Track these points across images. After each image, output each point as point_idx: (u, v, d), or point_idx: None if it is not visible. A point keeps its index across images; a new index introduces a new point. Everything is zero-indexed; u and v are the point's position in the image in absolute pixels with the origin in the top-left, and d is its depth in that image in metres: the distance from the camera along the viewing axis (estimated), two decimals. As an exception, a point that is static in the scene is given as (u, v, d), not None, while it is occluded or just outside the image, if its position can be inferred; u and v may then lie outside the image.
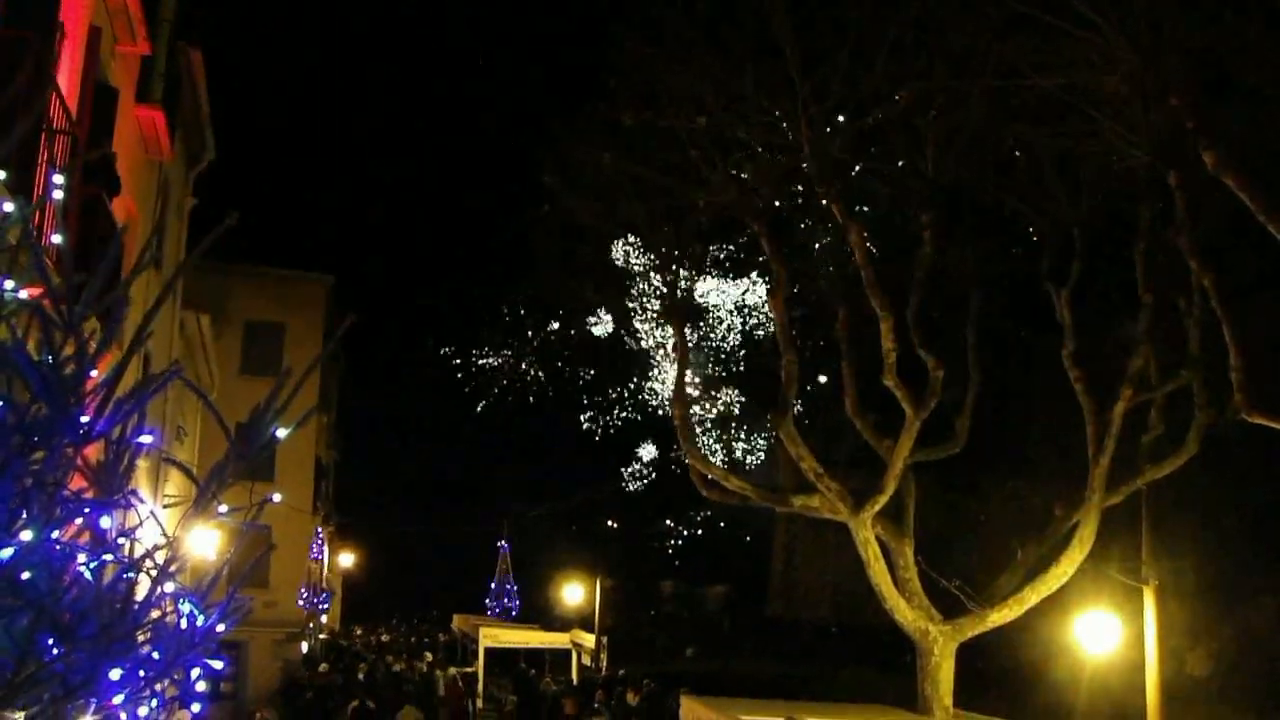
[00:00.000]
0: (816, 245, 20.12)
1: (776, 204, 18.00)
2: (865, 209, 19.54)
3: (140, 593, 4.07)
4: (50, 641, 3.63)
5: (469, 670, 34.13)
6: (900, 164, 17.11)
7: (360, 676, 32.23)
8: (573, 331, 25.42)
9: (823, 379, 23.17)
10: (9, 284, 3.97)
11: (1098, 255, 16.55)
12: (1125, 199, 15.92)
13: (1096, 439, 15.68)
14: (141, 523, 4.35)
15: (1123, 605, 17.46)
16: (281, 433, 4.15)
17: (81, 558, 3.86)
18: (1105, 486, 15.59)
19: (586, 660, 33.96)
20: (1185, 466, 15.87)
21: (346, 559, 56.32)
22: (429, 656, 42.14)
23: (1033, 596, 15.80)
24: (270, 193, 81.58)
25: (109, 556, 3.98)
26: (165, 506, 16.74)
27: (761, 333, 23.96)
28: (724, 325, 23.85)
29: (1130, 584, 16.71)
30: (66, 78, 10.74)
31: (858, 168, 17.73)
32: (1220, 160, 11.73)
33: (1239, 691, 26.07)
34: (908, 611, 16.17)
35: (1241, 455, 21.23)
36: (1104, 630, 16.44)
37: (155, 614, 4.07)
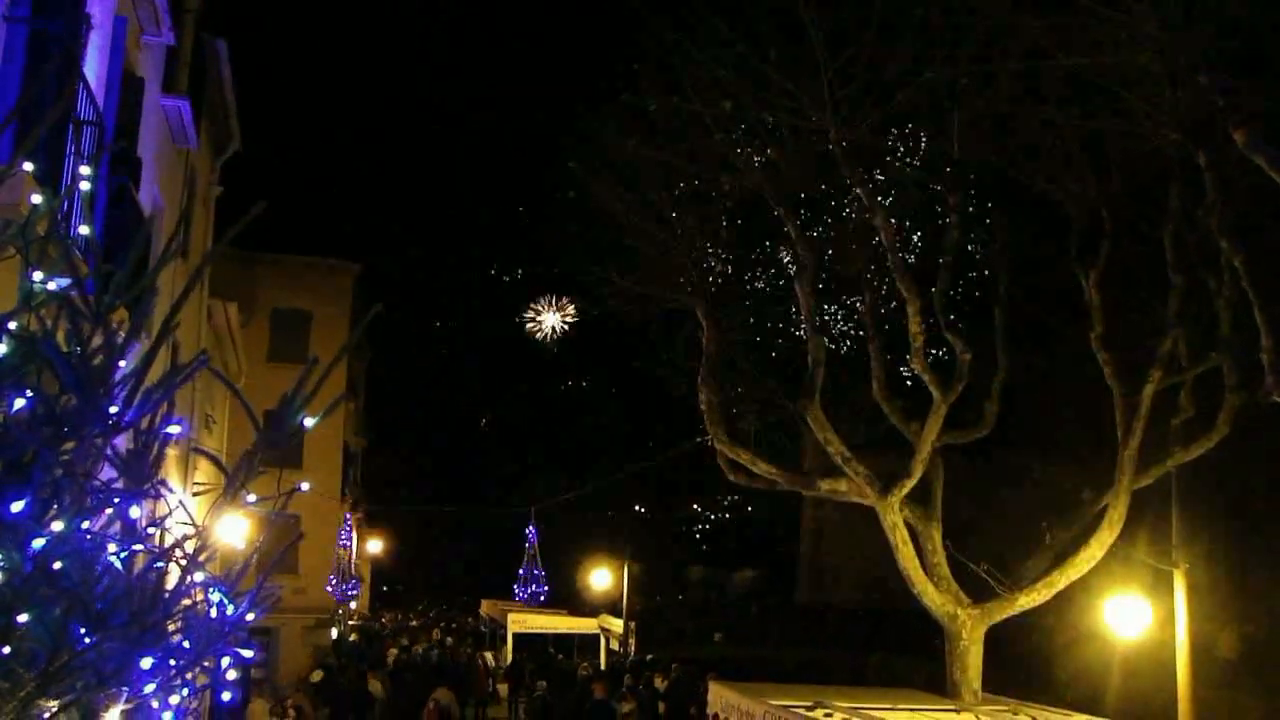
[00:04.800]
0: (847, 226, 20.03)
1: (803, 188, 17.93)
2: (892, 192, 19.46)
3: (170, 582, 4.10)
4: (82, 631, 3.66)
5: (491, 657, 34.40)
6: (926, 146, 17.01)
7: (390, 661, 32.47)
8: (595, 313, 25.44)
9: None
10: (37, 275, 3.99)
11: (1126, 236, 16.40)
12: (1154, 179, 15.76)
13: (1125, 422, 15.57)
14: (171, 512, 4.38)
15: (1152, 588, 17.36)
16: (309, 422, 4.16)
17: (112, 547, 3.88)
18: (1134, 469, 15.48)
19: (615, 645, 34.09)
20: (1215, 448, 15.74)
21: (375, 545, 56.61)
22: (435, 634, 42.39)
23: (1061, 580, 15.72)
24: (296, 181, 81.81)
25: (139, 546, 4.01)
26: (195, 495, 16.90)
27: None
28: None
29: (1160, 567, 16.62)
30: (93, 69, 10.79)
31: (882, 150, 17.65)
32: (1251, 139, 11.61)
33: (1271, 674, 25.90)
34: (936, 596, 16.12)
35: (1272, 437, 21.05)
36: (1134, 614, 16.36)
37: (185, 603, 4.10)
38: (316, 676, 26.13)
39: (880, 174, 19.19)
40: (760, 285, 23.94)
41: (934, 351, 17.15)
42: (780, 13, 15.65)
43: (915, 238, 20.39)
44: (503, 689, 32.98)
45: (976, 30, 14.68)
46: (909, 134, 16.92)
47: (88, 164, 8.20)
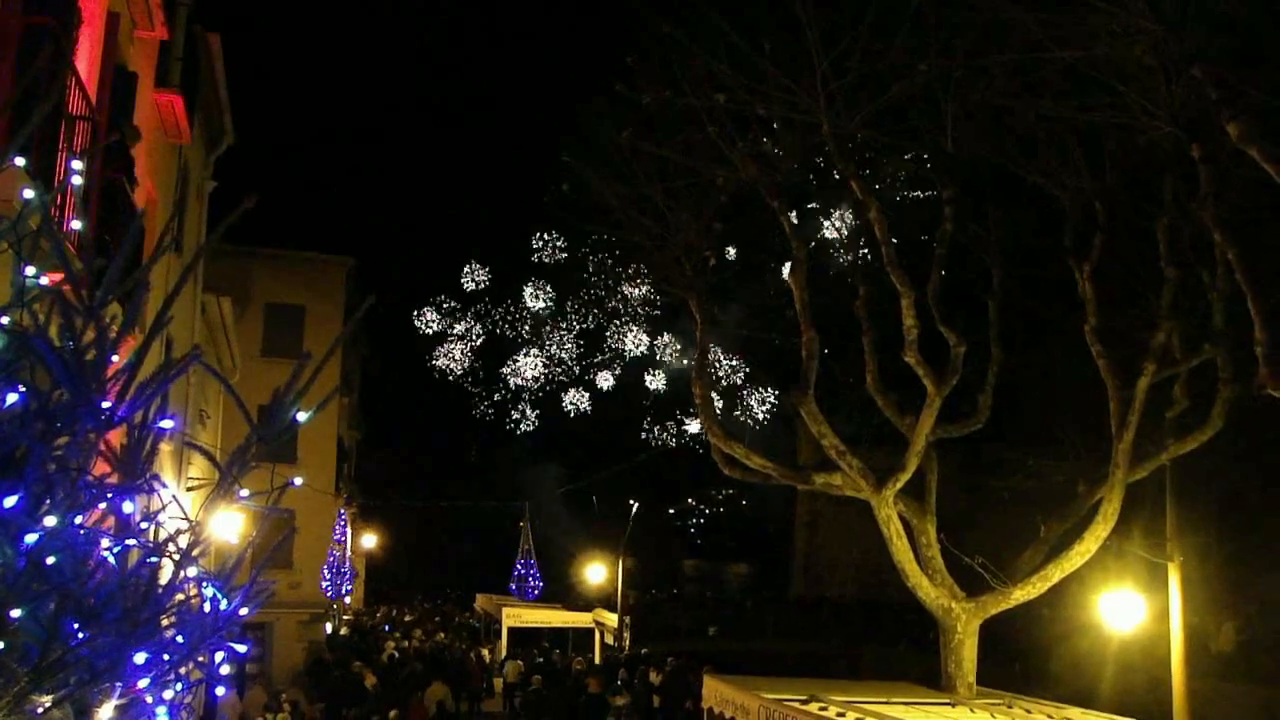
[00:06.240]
0: (836, 218, 20.04)
1: (797, 181, 17.93)
2: (885, 185, 19.47)
3: (164, 577, 4.09)
4: (75, 626, 3.65)
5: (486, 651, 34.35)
6: (921, 139, 16.99)
7: (385, 657, 32.47)
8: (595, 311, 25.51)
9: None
10: (30, 270, 3.98)
11: (1121, 229, 16.41)
12: (1149, 171, 15.78)
13: (1119, 415, 15.59)
14: (164, 507, 4.37)
15: (1146, 581, 17.40)
16: (302, 416, 4.15)
17: (105, 543, 3.88)
18: (1129, 462, 15.50)
19: (609, 639, 34.11)
20: (1209, 441, 15.77)
21: (369, 540, 56.61)
22: (433, 629, 42.39)
23: (1056, 573, 15.75)
24: (291, 176, 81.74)
25: (132, 541, 4.00)
26: (188, 490, 16.89)
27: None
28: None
29: (1154, 560, 16.65)
30: (85, 64, 10.76)
31: (876, 143, 17.64)
32: (1245, 131, 11.60)
33: (1266, 665, 25.98)
34: (930, 589, 16.14)
35: (1265, 430, 21.10)
36: (1128, 607, 16.39)
37: (179, 598, 4.09)
38: (370, 682, 26.09)
39: (874, 168, 19.21)
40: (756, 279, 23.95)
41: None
42: (776, 5, 15.62)
43: (910, 231, 20.37)
44: (498, 683, 33.02)
45: (971, 23, 14.67)
46: (904, 127, 16.89)
47: (80, 159, 8.18)
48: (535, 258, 54.61)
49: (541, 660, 32.34)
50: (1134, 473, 15.72)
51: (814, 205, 20.07)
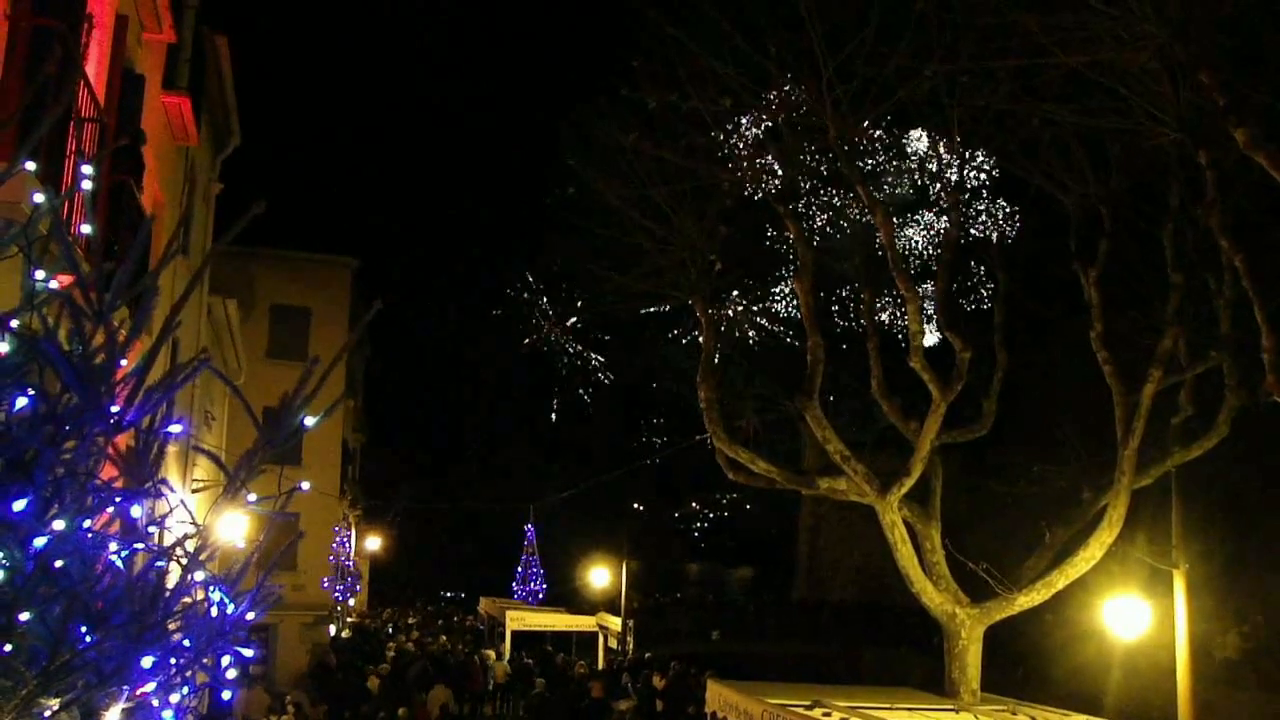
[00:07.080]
0: (844, 224, 20.04)
1: (802, 186, 17.93)
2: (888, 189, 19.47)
3: (171, 581, 4.10)
4: (83, 630, 3.66)
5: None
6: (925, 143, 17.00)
7: (388, 658, 32.47)
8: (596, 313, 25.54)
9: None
10: (40, 274, 3.99)
11: (1126, 234, 16.41)
12: (1154, 176, 15.77)
13: (1125, 421, 15.57)
14: (171, 511, 4.38)
15: (1148, 585, 17.36)
16: (310, 421, 4.16)
17: (113, 546, 3.88)
18: (1134, 469, 15.49)
19: (613, 643, 34.08)
20: (1213, 447, 15.75)
21: (373, 543, 56.63)
22: (416, 634, 42.42)
23: (1061, 580, 15.73)
24: (296, 177, 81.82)
25: (140, 545, 4.01)
26: (194, 491, 16.89)
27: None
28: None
29: (1160, 567, 16.62)
30: (94, 66, 10.78)
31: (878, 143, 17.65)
32: (1252, 138, 11.59)
33: (1272, 672, 25.91)
34: (935, 595, 16.12)
35: (1264, 433, 21.05)
36: (1134, 615, 16.35)
37: (186, 602, 4.10)
38: (374, 684, 26.14)
39: (880, 172, 19.22)
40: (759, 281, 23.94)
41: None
42: (780, 4, 15.61)
43: (914, 234, 20.38)
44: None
45: (975, 27, 14.66)
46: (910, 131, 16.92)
47: (89, 162, 8.19)
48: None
49: (529, 662, 32.35)
50: (1139, 479, 15.70)
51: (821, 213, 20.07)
